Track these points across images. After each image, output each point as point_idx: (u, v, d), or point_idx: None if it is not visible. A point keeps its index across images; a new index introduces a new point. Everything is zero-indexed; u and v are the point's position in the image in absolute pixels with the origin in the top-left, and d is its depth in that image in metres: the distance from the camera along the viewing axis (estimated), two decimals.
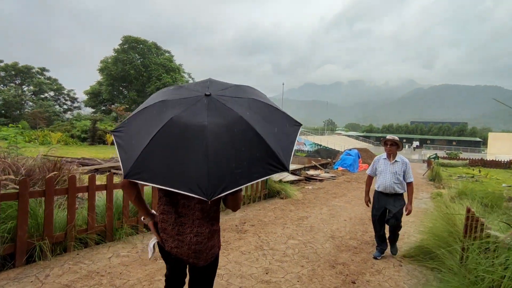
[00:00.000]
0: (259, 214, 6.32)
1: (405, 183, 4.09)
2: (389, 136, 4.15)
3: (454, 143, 66.61)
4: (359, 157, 20.62)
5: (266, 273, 3.43)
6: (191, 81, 59.38)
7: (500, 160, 30.46)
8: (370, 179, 4.41)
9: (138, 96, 44.78)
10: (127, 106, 41.51)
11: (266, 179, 8.25)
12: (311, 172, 15.43)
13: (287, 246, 4.41)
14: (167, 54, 48.62)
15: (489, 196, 6.54)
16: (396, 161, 4.05)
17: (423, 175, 17.62)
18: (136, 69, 42.78)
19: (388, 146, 4.08)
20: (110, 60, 43.97)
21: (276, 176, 11.81)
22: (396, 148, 4.09)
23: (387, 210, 4.15)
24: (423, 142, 69.88)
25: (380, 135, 79.38)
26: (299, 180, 12.29)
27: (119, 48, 43.25)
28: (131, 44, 43.06)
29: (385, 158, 4.16)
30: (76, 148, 25.56)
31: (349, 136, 72.44)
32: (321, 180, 13.08)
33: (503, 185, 15.90)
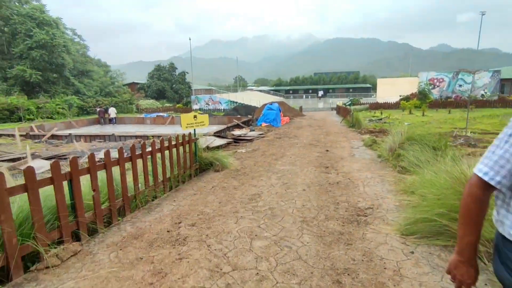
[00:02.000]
0: (196, 201, 4.61)
1: None
2: None
3: (351, 90, 74.71)
4: (280, 111, 20.15)
5: None
6: (76, 39, 48.73)
7: (390, 102, 34.91)
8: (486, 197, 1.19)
9: (2, 59, 34.42)
10: None
11: (195, 149, 6.44)
12: (237, 132, 14.08)
13: (256, 255, 2.91)
14: (34, 3, 37.85)
15: (438, 139, 6.27)
16: None
17: (341, 122, 18.35)
18: None
19: None
20: None
21: (201, 143, 10.01)
22: None
23: None
24: (326, 91, 76.20)
25: (289, 87, 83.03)
26: (228, 144, 10.77)
27: None
28: None
29: None
30: None
31: (261, 91, 73.32)
32: (250, 140, 11.85)
33: (405, 123, 17.77)
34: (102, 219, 3.56)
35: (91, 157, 3.52)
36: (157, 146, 4.98)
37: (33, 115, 28.63)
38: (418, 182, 4.30)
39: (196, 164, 6.37)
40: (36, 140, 15.98)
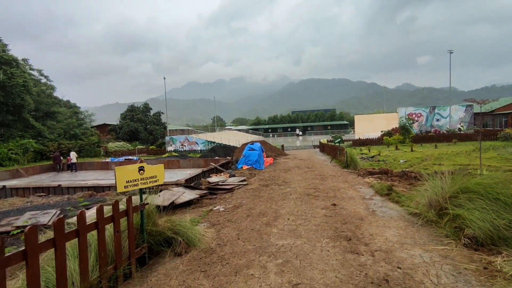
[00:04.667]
0: None
1: None
2: None
3: (329, 127, 75.20)
4: (263, 151, 18.10)
5: None
6: (43, 80, 45.94)
7: (371, 138, 34.17)
8: None
9: None
10: None
11: (142, 221, 4.01)
12: (214, 178, 11.66)
13: None
14: None
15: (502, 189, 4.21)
16: None
17: (330, 162, 16.47)
18: None
19: None
20: None
21: (164, 199, 7.51)
22: None
23: None
24: (305, 129, 76.21)
25: (267, 126, 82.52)
26: (201, 197, 8.31)
27: None
28: None
29: None
30: None
31: (239, 130, 72.13)
32: (230, 190, 9.46)
33: (401, 161, 16.22)
34: None
35: None
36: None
37: None
38: None
39: (143, 248, 3.88)
40: None
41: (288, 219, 5.65)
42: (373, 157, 17.91)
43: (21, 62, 37.95)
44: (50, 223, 7.11)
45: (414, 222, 4.93)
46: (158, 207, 7.31)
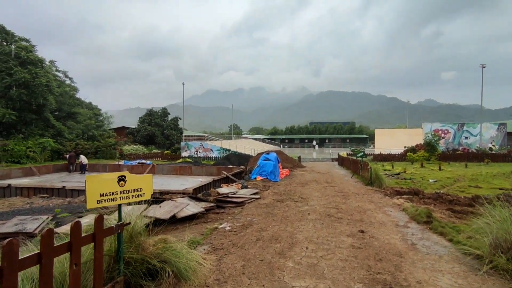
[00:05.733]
0: None
1: None
2: None
3: (347, 140, 73.02)
4: (278, 162, 17.08)
5: None
6: (68, 81, 47.08)
7: (393, 153, 32.36)
8: None
9: None
10: None
11: (118, 247, 3.10)
12: (224, 189, 10.74)
13: None
14: (23, 43, 36.61)
15: None
16: None
17: (351, 177, 15.20)
18: None
19: None
20: None
21: (161, 212, 6.65)
22: None
23: None
24: (322, 141, 74.41)
25: (284, 136, 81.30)
26: (207, 211, 7.39)
27: None
28: None
29: None
30: None
31: (256, 139, 71.34)
32: (240, 204, 8.49)
33: (430, 180, 14.74)
34: None
35: None
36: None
37: None
38: None
39: (116, 284, 2.95)
40: None
41: (307, 248, 4.60)
42: (398, 174, 16.47)
43: (48, 64, 39.05)
44: (37, 231, 6.38)
45: (475, 267, 3.76)
46: (156, 220, 6.47)
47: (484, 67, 34.37)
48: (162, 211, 6.80)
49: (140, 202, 5.15)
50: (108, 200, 2.94)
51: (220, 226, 6.01)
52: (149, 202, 8.56)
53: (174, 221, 6.79)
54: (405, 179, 14.83)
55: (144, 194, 3.27)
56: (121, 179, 3.04)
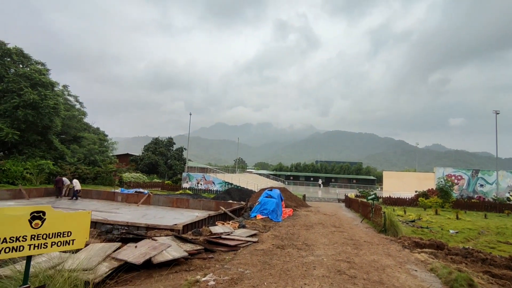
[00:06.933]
0: None
1: None
2: None
3: (354, 181, 70.92)
4: (282, 200, 15.78)
5: None
6: (78, 106, 47.66)
7: (403, 197, 30.64)
8: None
9: None
10: None
11: None
12: (219, 227, 9.47)
13: None
14: (38, 66, 37.56)
15: None
16: None
17: (361, 222, 13.74)
18: None
19: None
20: None
21: (134, 254, 5.47)
22: None
23: None
24: (328, 180, 72.40)
25: (289, 173, 79.61)
26: (191, 255, 6.16)
27: None
28: None
29: None
30: None
31: (260, 174, 69.92)
32: (233, 248, 7.23)
33: (450, 231, 13.19)
34: None
35: None
36: None
37: None
38: None
39: None
40: None
41: None
42: (413, 221, 14.91)
43: (61, 88, 39.74)
44: None
45: None
46: (125, 264, 5.25)
47: (498, 113, 33.59)
48: (137, 253, 5.60)
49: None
50: (10, 250, 1.88)
51: (203, 279, 4.76)
52: (126, 240, 7.36)
53: (151, 266, 5.58)
54: (421, 227, 13.30)
55: (73, 240, 2.19)
56: (36, 217, 2.00)
